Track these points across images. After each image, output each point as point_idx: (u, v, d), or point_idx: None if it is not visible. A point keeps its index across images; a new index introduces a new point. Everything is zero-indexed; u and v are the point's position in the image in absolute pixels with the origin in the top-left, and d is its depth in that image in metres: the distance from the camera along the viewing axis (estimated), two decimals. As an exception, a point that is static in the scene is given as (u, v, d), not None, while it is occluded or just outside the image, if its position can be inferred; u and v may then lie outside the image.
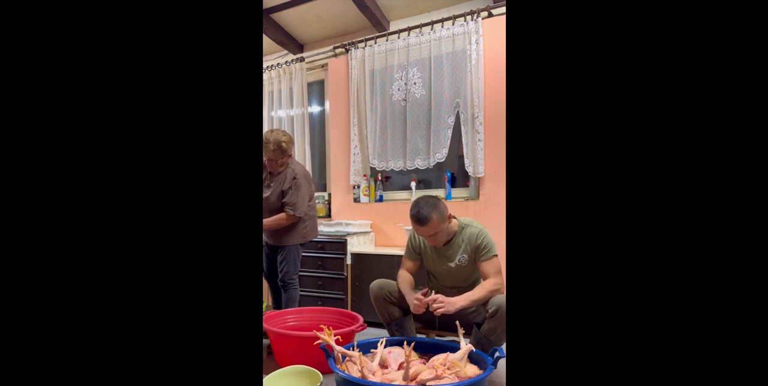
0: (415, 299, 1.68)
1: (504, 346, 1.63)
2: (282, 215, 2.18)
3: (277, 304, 2.44)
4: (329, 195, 3.20)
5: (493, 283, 1.69)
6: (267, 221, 2.17)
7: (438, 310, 1.60)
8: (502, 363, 1.56)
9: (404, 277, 1.84)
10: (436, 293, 1.68)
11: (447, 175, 2.75)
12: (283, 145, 2.10)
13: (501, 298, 1.62)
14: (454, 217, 1.81)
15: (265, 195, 2.21)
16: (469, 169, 2.62)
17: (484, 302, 1.69)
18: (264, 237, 2.32)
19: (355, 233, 2.78)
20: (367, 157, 2.97)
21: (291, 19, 3.06)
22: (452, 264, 1.80)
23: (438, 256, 1.84)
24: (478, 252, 1.75)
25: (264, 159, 2.13)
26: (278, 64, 3.31)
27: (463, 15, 2.59)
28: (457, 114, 2.66)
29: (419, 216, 1.67)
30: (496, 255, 1.75)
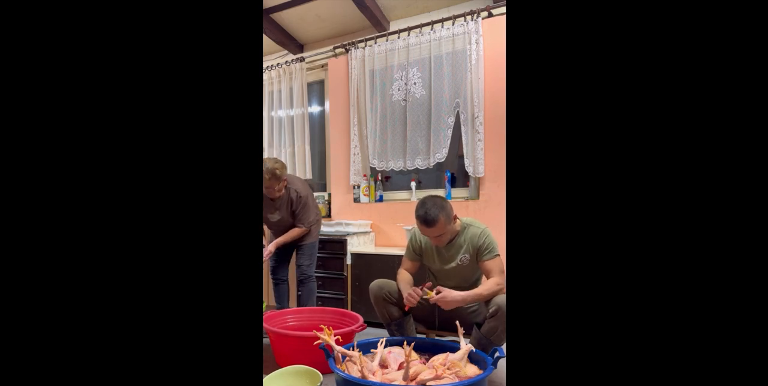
0: (410, 291, 1.68)
1: (504, 346, 1.63)
2: (294, 229, 2.34)
3: (280, 300, 2.54)
4: (329, 195, 3.20)
5: (495, 282, 1.69)
6: (281, 240, 2.32)
7: (432, 299, 1.63)
8: (502, 363, 1.56)
9: (403, 275, 1.86)
10: (437, 293, 1.68)
11: (447, 175, 2.75)
12: (277, 172, 2.17)
13: (501, 298, 1.62)
14: (457, 217, 1.82)
15: (275, 219, 2.35)
16: (469, 169, 2.62)
17: (485, 299, 1.69)
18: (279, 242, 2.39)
19: (355, 233, 2.77)
20: (367, 157, 2.97)
21: (291, 19, 3.06)
22: (453, 264, 1.81)
23: (439, 256, 1.84)
24: (480, 252, 1.75)
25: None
26: (278, 64, 3.31)
27: (463, 15, 2.59)
28: (457, 114, 2.66)
29: (426, 218, 1.66)
30: (499, 255, 1.75)
